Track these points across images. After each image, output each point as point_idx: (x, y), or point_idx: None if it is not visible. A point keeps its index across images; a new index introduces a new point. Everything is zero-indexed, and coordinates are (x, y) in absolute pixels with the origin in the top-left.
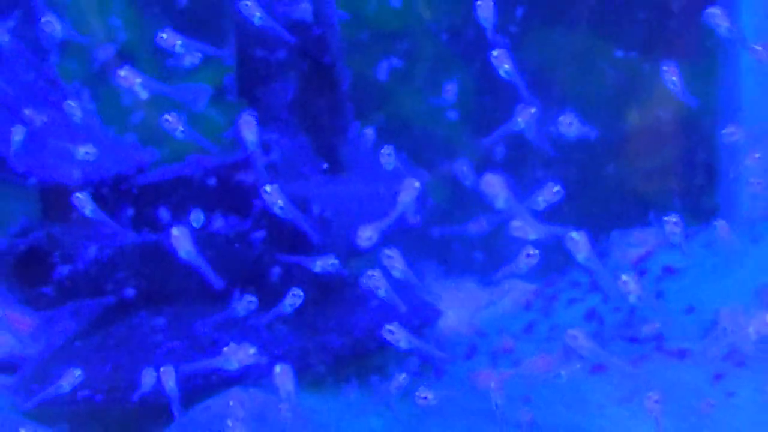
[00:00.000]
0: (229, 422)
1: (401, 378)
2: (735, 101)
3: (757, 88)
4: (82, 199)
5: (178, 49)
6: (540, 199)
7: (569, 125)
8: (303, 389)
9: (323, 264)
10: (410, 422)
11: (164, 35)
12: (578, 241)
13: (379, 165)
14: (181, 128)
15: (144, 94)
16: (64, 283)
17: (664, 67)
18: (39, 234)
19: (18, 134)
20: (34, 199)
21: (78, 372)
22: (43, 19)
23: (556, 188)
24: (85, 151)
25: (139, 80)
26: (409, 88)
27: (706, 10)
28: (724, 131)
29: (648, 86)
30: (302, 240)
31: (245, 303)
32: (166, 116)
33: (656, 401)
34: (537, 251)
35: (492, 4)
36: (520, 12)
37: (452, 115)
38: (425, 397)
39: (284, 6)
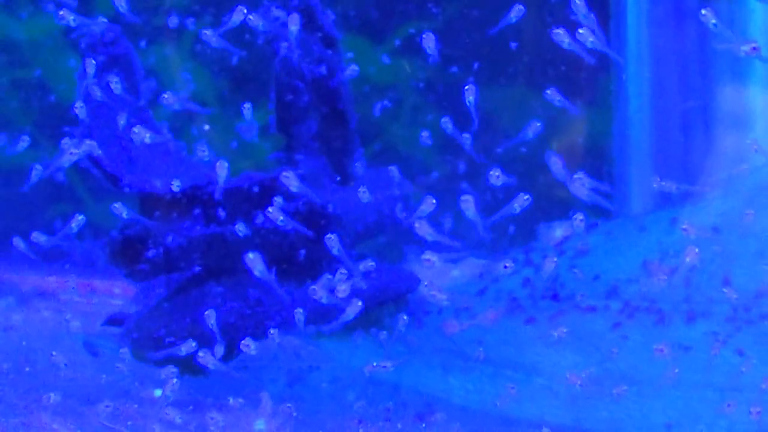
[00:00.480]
0: None
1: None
2: (624, 131)
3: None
4: (118, 208)
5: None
6: (516, 205)
7: (497, 177)
8: (325, 336)
9: (365, 266)
10: (400, 357)
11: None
12: (467, 200)
13: (376, 178)
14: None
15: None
16: (156, 261)
17: (548, 91)
18: (138, 227)
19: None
20: (134, 203)
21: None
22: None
23: (526, 197)
24: (177, 184)
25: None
26: (396, 124)
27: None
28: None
29: (565, 121)
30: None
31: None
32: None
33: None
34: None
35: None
36: (475, 70)
37: (427, 142)
38: (384, 366)
39: (310, 66)
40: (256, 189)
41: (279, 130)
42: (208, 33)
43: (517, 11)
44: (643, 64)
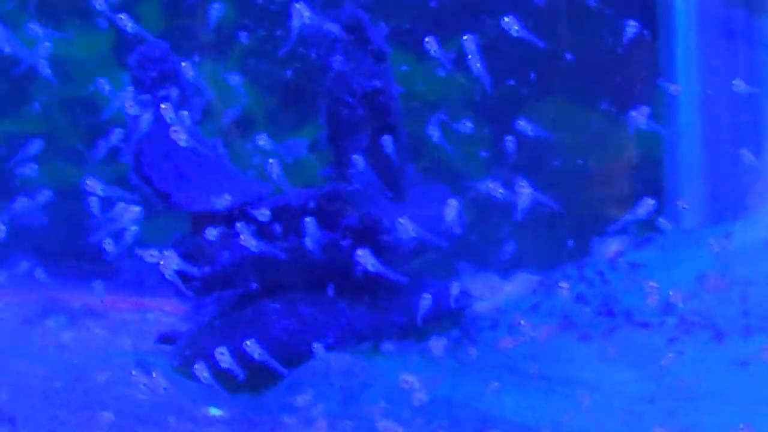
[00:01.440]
0: None
1: (445, 342)
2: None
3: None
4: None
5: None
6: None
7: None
8: (379, 354)
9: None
10: (455, 373)
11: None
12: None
13: (426, 194)
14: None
15: (262, 141)
16: (208, 279)
17: (633, 113)
18: (190, 244)
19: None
20: (186, 220)
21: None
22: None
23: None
24: (225, 198)
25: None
26: (446, 139)
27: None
28: None
29: (614, 135)
30: (377, 245)
31: None
32: (270, 160)
33: None
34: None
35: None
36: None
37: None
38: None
39: (363, 81)
40: (308, 205)
41: (329, 146)
42: None
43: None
44: (692, 78)
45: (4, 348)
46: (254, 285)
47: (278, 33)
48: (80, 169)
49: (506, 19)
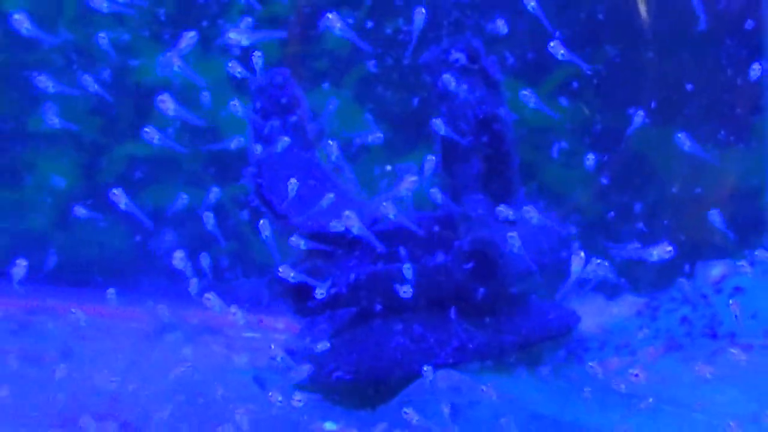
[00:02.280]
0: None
1: (552, 364)
2: None
3: None
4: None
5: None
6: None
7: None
8: (488, 371)
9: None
10: (561, 392)
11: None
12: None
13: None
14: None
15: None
16: (323, 298)
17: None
18: (306, 265)
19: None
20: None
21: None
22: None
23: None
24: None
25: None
26: (554, 164)
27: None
28: None
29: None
30: (496, 269)
31: None
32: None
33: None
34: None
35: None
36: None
37: (603, 180)
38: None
39: (477, 110)
40: (421, 228)
41: (444, 170)
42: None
43: None
44: None
45: (127, 364)
46: (378, 306)
47: (389, 60)
48: (201, 192)
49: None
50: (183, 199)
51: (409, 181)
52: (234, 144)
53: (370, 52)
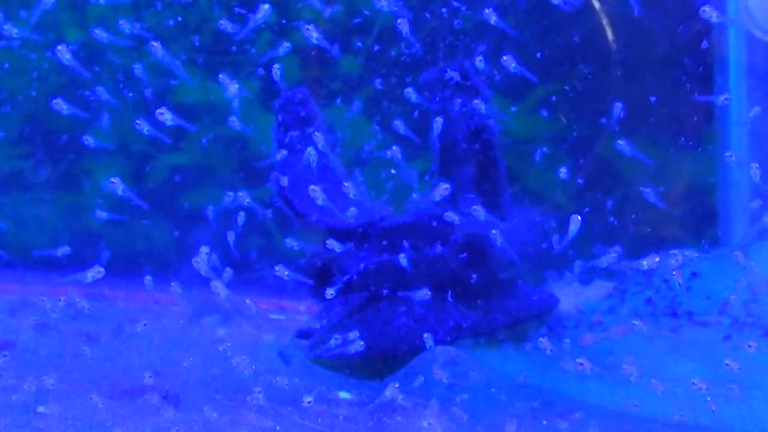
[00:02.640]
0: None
1: (539, 340)
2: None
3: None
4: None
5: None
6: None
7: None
8: (480, 347)
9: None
10: (543, 364)
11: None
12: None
13: (520, 214)
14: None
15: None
16: (337, 285)
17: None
18: (324, 256)
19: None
20: (321, 236)
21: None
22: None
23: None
24: (354, 217)
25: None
26: (535, 168)
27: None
28: None
29: (674, 169)
30: (486, 259)
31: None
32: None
33: None
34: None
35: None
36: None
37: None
38: None
39: (467, 121)
40: (426, 224)
41: (442, 175)
42: None
43: None
44: (743, 112)
45: (170, 343)
46: (385, 291)
47: (394, 80)
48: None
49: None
50: (230, 197)
51: (442, 189)
52: (279, 156)
53: (377, 72)
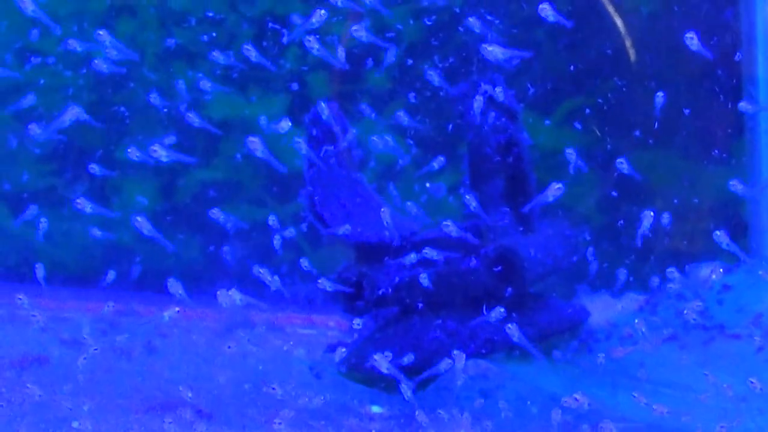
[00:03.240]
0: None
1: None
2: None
3: None
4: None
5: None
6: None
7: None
8: (512, 360)
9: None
10: (575, 377)
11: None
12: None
13: (550, 227)
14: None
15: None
16: (368, 299)
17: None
18: (354, 270)
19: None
20: (351, 250)
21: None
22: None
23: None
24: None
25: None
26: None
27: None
28: None
29: (705, 181)
30: (514, 269)
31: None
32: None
33: None
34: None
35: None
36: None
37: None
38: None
39: (496, 135)
40: (454, 237)
41: (472, 189)
42: None
43: None
44: None
45: (201, 358)
46: (420, 305)
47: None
48: (262, 210)
49: None
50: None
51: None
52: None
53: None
